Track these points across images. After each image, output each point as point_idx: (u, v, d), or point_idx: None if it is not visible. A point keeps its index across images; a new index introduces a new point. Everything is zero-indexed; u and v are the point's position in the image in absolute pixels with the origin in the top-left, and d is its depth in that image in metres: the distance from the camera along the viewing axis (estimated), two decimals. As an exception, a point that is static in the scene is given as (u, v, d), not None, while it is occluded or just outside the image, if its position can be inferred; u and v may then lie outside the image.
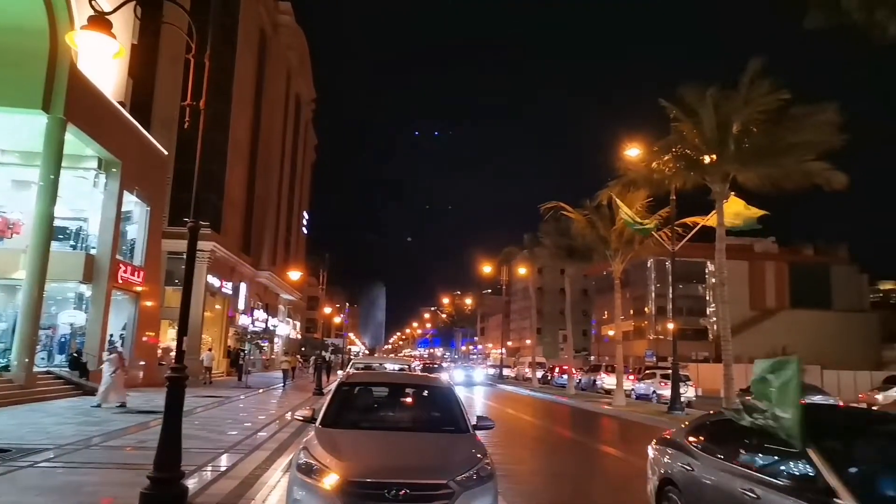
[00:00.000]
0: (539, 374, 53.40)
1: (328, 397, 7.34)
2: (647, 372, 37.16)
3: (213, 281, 36.04)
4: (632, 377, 37.17)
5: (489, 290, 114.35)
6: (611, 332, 68.68)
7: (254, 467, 9.72)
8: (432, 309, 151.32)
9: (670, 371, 38.84)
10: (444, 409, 7.18)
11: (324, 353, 41.05)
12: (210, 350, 32.90)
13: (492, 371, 65.91)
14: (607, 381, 38.21)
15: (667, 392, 32.40)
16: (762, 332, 64.56)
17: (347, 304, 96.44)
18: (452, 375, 32.36)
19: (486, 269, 61.27)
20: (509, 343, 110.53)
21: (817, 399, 25.56)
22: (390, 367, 19.68)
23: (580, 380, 43.68)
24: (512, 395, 37.53)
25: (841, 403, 24.68)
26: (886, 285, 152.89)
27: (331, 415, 6.82)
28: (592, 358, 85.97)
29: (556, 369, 50.49)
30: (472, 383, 46.68)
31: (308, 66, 65.19)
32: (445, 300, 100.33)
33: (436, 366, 39.95)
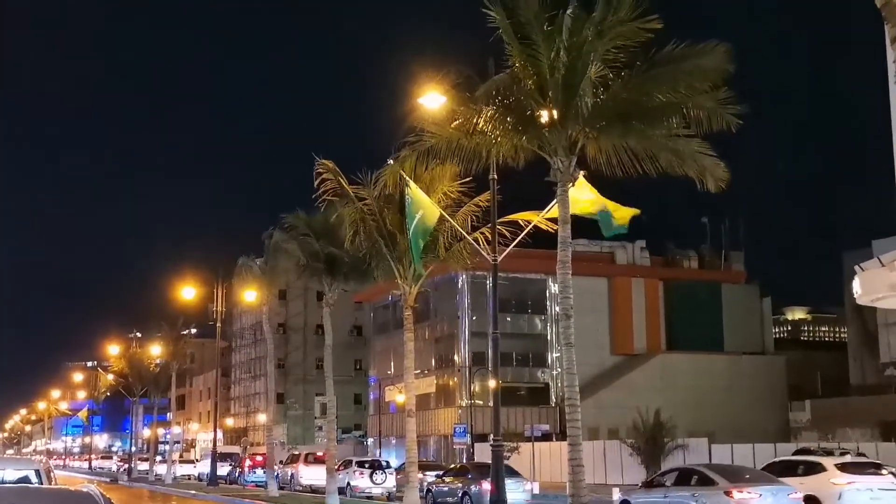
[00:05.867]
0: (225, 469, 37.70)
1: None
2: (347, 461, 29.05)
3: None
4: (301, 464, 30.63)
5: (195, 330, 53.57)
6: (398, 398, 44.81)
7: None
8: (88, 365, 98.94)
9: (370, 458, 32.12)
10: None
11: None
12: None
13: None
14: (307, 475, 29.66)
15: (362, 483, 26.32)
16: (628, 388, 46.10)
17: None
18: None
19: (191, 294, 36.64)
20: (230, 421, 75.81)
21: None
22: (5, 475, 10.35)
23: (277, 474, 30.23)
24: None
25: None
26: (796, 314, 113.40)
27: None
28: (370, 440, 58.02)
29: (248, 461, 37.43)
30: None
31: None
32: (114, 349, 53.41)
33: None
